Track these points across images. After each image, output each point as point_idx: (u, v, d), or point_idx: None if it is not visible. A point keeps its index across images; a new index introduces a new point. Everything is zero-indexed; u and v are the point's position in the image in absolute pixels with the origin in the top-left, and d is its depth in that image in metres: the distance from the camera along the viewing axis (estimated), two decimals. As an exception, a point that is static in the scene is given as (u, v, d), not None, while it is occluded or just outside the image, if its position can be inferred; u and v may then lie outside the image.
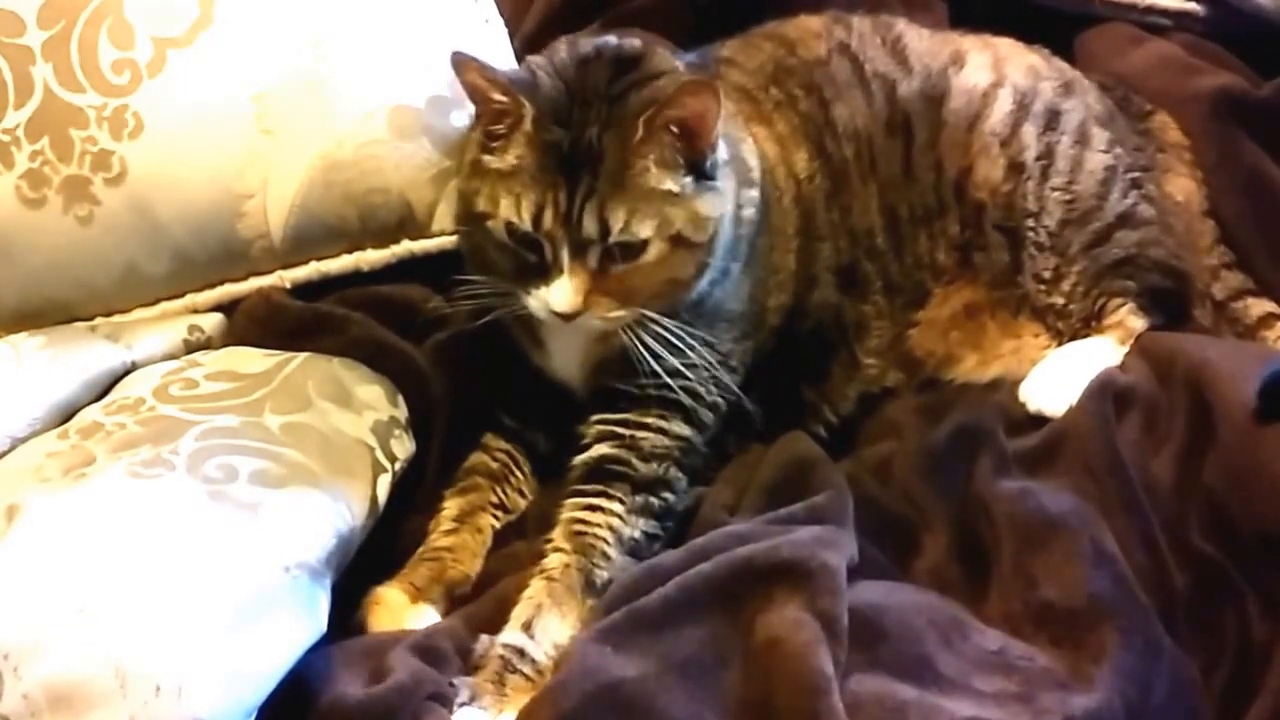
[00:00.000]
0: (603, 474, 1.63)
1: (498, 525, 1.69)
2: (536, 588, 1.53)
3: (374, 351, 1.70)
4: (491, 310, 1.64)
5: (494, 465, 1.72)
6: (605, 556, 1.56)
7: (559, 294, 1.55)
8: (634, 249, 1.55)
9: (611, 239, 1.54)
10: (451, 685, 1.42)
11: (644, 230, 1.55)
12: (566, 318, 1.56)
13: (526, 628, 1.48)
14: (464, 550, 1.63)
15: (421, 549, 1.63)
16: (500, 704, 1.42)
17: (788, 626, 1.37)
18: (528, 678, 1.44)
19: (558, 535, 1.59)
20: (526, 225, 1.55)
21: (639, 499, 1.62)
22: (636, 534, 1.59)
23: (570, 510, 1.61)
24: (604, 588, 1.52)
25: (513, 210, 1.56)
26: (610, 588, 1.50)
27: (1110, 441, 1.60)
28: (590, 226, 1.53)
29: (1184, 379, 1.64)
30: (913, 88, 1.85)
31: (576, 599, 1.52)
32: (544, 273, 1.56)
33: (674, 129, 1.54)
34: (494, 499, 1.70)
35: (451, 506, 1.67)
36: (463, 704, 1.40)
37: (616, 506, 1.60)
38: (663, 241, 1.56)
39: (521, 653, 1.46)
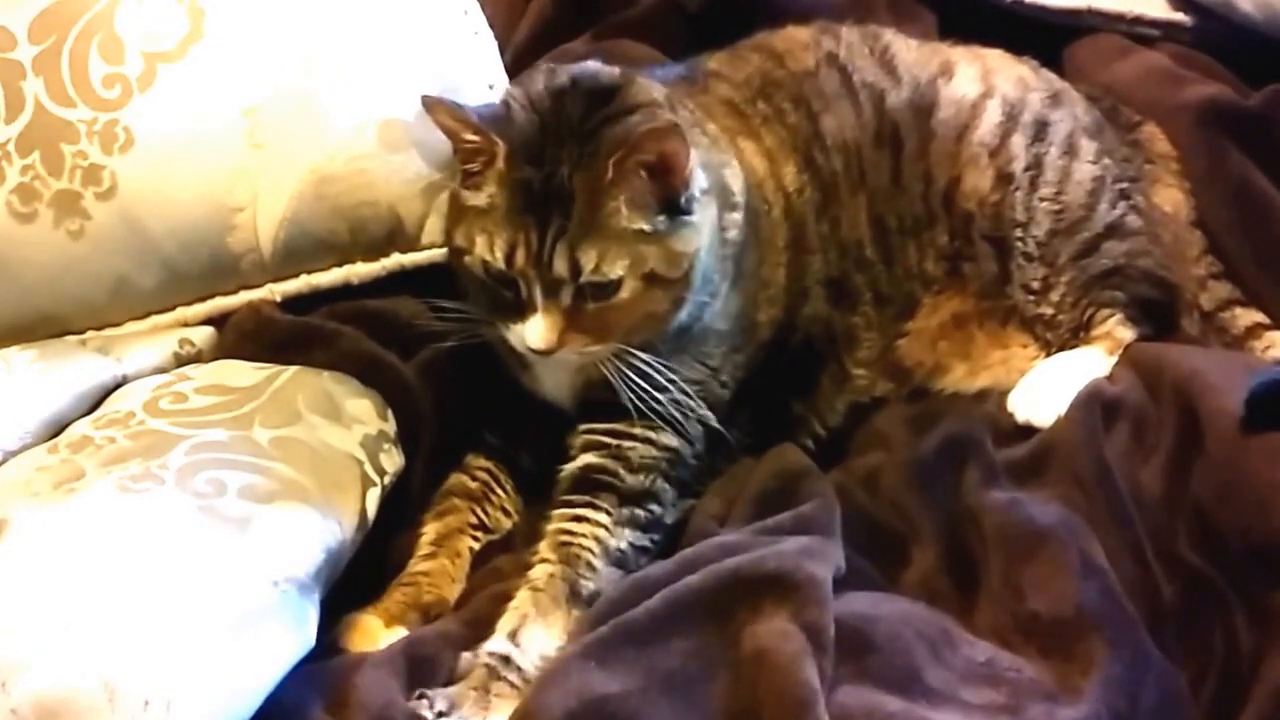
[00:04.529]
0: (589, 484, 1.63)
1: (477, 547, 1.68)
2: (522, 598, 1.52)
3: (364, 365, 1.70)
4: (476, 332, 1.64)
5: (473, 485, 1.71)
6: (590, 567, 1.56)
7: (533, 332, 1.55)
8: (607, 288, 1.55)
9: (583, 279, 1.54)
10: (421, 697, 1.40)
11: (615, 270, 1.54)
12: (542, 354, 1.57)
13: (512, 637, 1.48)
14: (441, 575, 1.62)
15: (400, 576, 1.62)
16: (484, 711, 1.41)
17: (774, 638, 1.37)
18: (513, 685, 1.44)
19: (543, 547, 1.58)
20: (500, 264, 1.56)
21: (625, 511, 1.61)
22: (623, 545, 1.59)
23: (556, 521, 1.61)
24: (590, 598, 1.52)
25: (487, 249, 1.56)
26: (598, 602, 1.49)
27: (1098, 452, 1.60)
28: (561, 267, 1.53)
29: (1172, 389, 1.64)
30: (901, 98, 1.85)
31: (562, 609, 1.51)
32: (520, 310, 1.57)
33: (643, 172, 1.54)
34: (473, 520, 1.69)
35: (429, 531, 1.67)
36: (441, 714, 1.39)
37: (603, 518, 1.60)
38: (636, 280, 1.56)
39: (507, 660, 1.45)
